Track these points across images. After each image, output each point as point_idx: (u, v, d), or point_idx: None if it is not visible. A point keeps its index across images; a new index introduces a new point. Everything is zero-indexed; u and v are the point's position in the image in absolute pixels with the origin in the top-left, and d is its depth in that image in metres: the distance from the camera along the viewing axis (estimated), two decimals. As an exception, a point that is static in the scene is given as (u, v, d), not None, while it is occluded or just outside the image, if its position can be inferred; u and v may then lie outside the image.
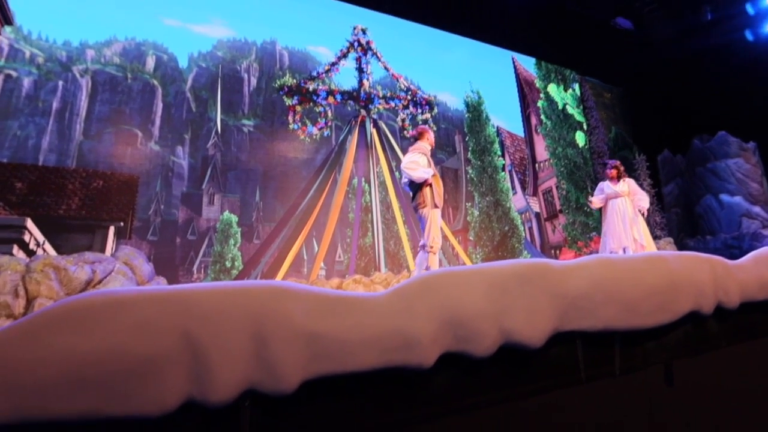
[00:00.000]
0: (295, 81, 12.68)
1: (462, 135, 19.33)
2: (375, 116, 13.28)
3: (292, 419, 1.47)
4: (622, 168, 7.42)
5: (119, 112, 15.72)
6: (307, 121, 12.72)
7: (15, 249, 7.58)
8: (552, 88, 16.92)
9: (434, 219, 5.23)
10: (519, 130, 22.09)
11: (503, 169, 17.83)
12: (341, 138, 13.22)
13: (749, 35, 11.57)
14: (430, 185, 5.24)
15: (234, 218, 15.32)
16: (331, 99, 12.86)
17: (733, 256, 2.96)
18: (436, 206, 5.24)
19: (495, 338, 1.75)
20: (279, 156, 16.42)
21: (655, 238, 11.68)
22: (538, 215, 20.57)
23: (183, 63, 18.36)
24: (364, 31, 13.39)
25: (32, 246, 7.99)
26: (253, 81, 19.72)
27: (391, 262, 16.13)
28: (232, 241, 15.19)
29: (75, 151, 14.51)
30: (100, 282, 4.75)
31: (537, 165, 20.75)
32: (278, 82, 12.64)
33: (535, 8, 11.57)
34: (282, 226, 11.46)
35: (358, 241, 15.86)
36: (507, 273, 1.90)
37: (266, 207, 17.12)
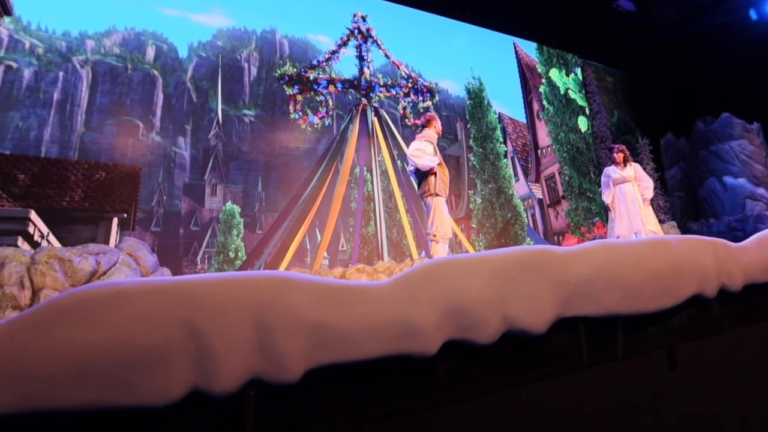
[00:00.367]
0: (295, 70, 12.61)
1: (463, 122, 19.25)
2: (376, 104, 13.22)
3: (296, 408, 1.49)
4: (627, 152, 7.39)
5: (120, 103, 15.68)
6: (308, 111, 12.67)
7: (20, 241, 7.61)
8: (554, 73, 16.82)
9: (439, 207, 5.24)
10: (521, 116, 21.95)
11: (505, 156, 17.78)
12: (342, 127, 13.17)
13: (753, 14, 11.44)
14: (435, 174, 5.24)
15: (237, 209, 15.33)
16: (332, 88, 12.80)
17: (737, 239, 2.95)
18: (440, 194, 5.24)
19: (498, 326, 1.76)
20: (280, 146, 16.38)
21: (659, 222, 11.67)
22: (540, 201, 20.52)
23: (183, 53, 18.26)
24: (364, 19, 13.28)
25: (36, 238, 8.02)
26: (254, 70, 19.64)
27: (394, 250, 16.14)
28: (235, 232, 15.21)
29: (77, 143, 14.50)
30: (104, 273, 4.77)
31: (539, 151, 20.66)
32: (279, 72, 12.58)
33: (536, -8, 11.50)
34: (284, 216, 11.46)
35: (361, 231, 15.87)
36: (510, 260, 1.90)
37: (268, 197, 17.11)
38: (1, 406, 1.14)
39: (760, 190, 10.97)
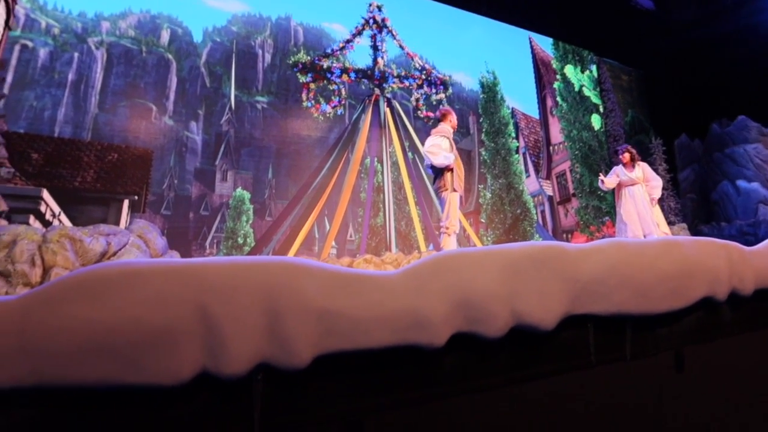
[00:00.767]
0: (309, 58, 12.59)
1: (476, 116, 19.19)
2: (389, 95, 13.18)
3: (303, 394, 1.49)
4: (634, 151, 7.26)
5: (134, 86, 15.74)
6: (321, 99, 12.66)
7: (31, 219, 7.69)
8: (569, 70, 16.68)
9: (454, 202, 5.28)
10: (534, 112, 21.83)
11: (517, 152, 17.70)
12: (354, 117, 13.15)
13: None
14: (452, 169, 5.27)
15: (247, 195, 15.38)
16: (345, 77, 12.77)
17: (749, 244, 2.92)
18: (455, 190, 5.28)
19: (506, 320, 1.75)
20: (292, 134, 16.39)
21: (670, 223, 11.58)
22: (550, 198, 20.44)
23: (197, 37, 18.26)
24: (379, 8, 13.22)
25: (48, 217, 8.10)
26: (268, 57, 19.61)
27: (402, 242, 16.15)
28: (244, 218, 15.27)
29: (90, 124, 14.58)
30: (114, 254, 4.81)
31: (551, 148, 20.55)
32: (292, 59, 12.57)
33: (555, -13, 11.38)
34: (294, 204, 11.49)
35: (370, 221, 15.88)
36: (520, 255, 1.89)
37: (279, 185, 17.15)
38: (13, 380, 1.15)
39: (774, 195, 10.85)
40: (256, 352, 1.35)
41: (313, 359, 1.42)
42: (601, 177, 7.14)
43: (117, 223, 10.22)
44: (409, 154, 12.62)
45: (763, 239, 3.05)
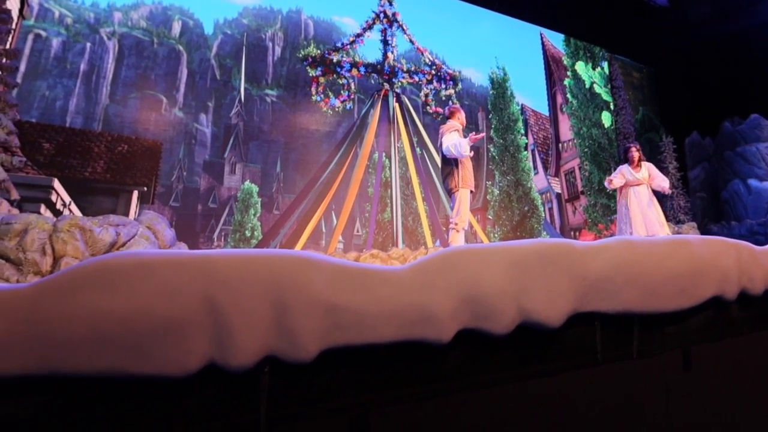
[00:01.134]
0: (319, 52, 12.58)
1: (485, 112, 19.08)
2: (398, 90, 13.15)
3: (309, 388, 1.50)
4: (641, 152, 7.23)
5: (145, 77, 15.77)
6: (330, 93, 12.64)
7: (42, 208, 7.75)
8: (580, 66, 16.57)
9: (465, 199, 5.30)
10: (544, 109, 21.67)
11: (526, 148, 17.61)
12: (363, 111, 13.13)
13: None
14: (463, 165, 5.29)
15: (255, 188, 15.40)
16: (354, 71, 12.74)
17: (759, 243, 2.90)
18: (469, 187, 5.30)
19: (513, 317, 1.75)
20: (301, 128, 16.38)
21: (679, 222, 11.50)
22: (559, 196, 20.33)
23: (208, 29, 18.25)
24: (390, 2, 13.17)
25: (59, 206, 8.16)
26: (278, 50, 19.59)
27: (409, 238, 16.15)
28: (252, 211, 15.30)
29: (101, 115, 14.63)
30: (123, 245, 4.84)
31: (560, 145, 20.42)
32: (302, 53, 12.56)
33: (567, -18, 11.29)
34: (302, 198, 11.50)
35: (377, 216, 15.87)
36: (528, 252, 1.88)
37: (287, 178, 17.15)
38: (23, 367, 1.17)
39: (786, 195, 10.75)
40: (263, 344, 1.35)
41: (320, 353, 1.42)
42: (609, 177, 7.12)
43: (126, 213, 10.28)
44: (418, 149, 12.59)
45: (773, 239, 3.02)
